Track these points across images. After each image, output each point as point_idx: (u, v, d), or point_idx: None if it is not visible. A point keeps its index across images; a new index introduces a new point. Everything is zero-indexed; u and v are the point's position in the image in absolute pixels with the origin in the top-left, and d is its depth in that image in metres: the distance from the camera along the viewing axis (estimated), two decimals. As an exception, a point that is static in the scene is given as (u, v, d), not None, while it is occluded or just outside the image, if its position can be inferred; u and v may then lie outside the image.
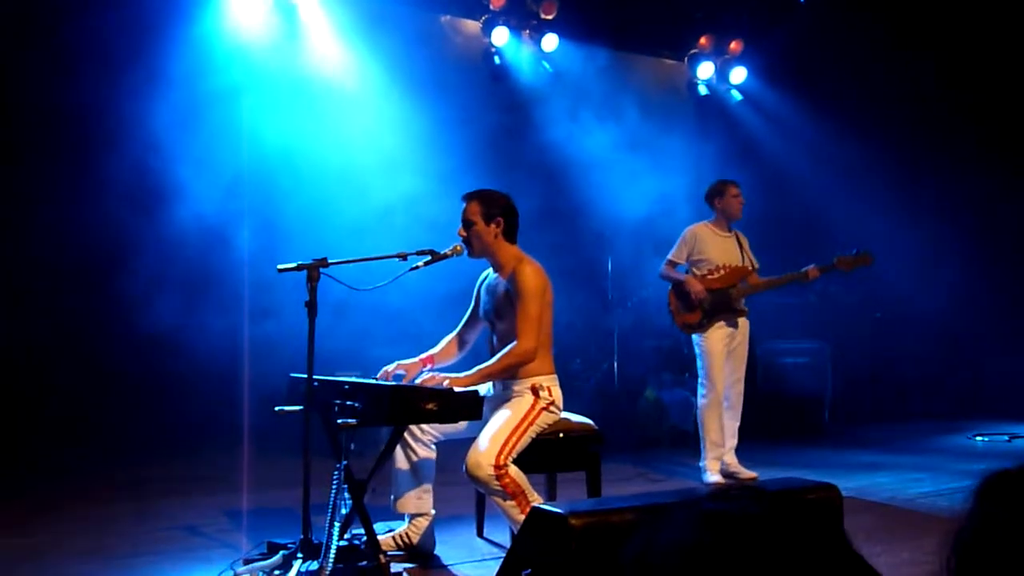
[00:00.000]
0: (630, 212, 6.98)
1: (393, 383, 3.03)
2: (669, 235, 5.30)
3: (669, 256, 5.14)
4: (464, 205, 3.42)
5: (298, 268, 3.03)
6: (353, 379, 3.20)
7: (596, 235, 7.25)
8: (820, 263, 5.02)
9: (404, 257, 3.26)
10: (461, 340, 3.63)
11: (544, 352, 3.37)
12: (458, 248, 3.37)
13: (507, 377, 3.33)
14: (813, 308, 7.60)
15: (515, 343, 3.26)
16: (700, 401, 5.01)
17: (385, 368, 3.42)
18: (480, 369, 3.27)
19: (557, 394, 3.36)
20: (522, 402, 3.27)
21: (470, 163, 6.19)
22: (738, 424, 5.07)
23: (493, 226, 3.38)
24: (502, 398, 3.35)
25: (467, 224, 3.39)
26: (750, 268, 5.14)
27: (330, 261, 3.04)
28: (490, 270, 3.55)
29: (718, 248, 5.11)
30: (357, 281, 3.20)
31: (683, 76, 8.18)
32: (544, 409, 3.28)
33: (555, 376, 3.39)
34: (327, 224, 5.79)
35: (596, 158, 7.09)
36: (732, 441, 5.05)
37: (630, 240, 7.06)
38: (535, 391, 3.30)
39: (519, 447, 3.15)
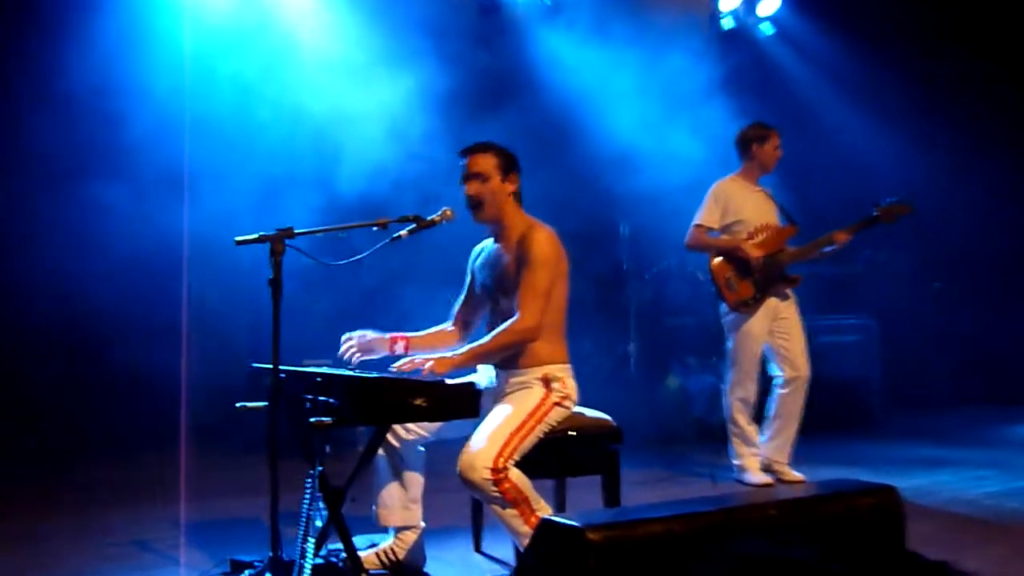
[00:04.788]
0: (646, 167, 6.92)
1: (375, 374, 2.98)
2: (692, 193, 5.24)
3: (698, 220, 5.03)
4: (471, 157, 3.36)
5: (259, 240, 2.96)
6: (327, 370, 3.16)
7: (607, 194, 7.20)
8: (854, 222, 4.97)
9: (384, 225, 3.19)
10: (464, 322, 3.60)
11: (556, 336, 3.34)
12: (447, 213, 3.30)
13: (506, 361, 3.30)
14: (859, 279, 7.57)
15: (515, 318, 3.23)
16: (727, 388, 5.01)
17: (348, 334, 3.38)
18: (471, 348, 3.25)
19: (572, 386, 3.33)
20: (531, 395, 3.24)
21: (456, 112, 6.11)
22: (801, 408, 4.97)
23: (509, 183, 3.36)
24: (507, 390, 3.31)
25: (480, 178, 3.33)
26: (793, 227, 5.08)
27: (297, 231, 2.98)
28: (487, 241, 3.51)
29: (752, 205, 5.04)
30: (329, 255, 3.14)
31: (705, 7, 8.08)
32: (557, 404, 3.25)
33: (569, 365, 3.37)
34: (290, 188, 5.74)
35: (605, 104, 7.03)
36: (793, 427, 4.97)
37: (648, 200, 7.00)
38: (547, 382, 3.26)
39: (523, 448, 3.11)
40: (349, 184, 5.81)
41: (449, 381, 2.96)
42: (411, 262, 5.65)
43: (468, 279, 3.59)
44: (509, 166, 3.36)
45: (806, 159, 7.00)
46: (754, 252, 4.89)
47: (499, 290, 3.37)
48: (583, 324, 6.80)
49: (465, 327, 3.60)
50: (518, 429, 3.11)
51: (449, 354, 3.22)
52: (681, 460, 5.71)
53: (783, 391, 4.97)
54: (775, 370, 5.01)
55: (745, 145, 5.09)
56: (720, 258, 5.00)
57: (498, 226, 3.41)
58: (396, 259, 5.70)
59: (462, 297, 3.60)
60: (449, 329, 3.60)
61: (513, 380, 3.31)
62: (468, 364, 3.24)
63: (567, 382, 3.31)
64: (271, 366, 2.93)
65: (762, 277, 4.91)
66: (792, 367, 4.96)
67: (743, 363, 4.94)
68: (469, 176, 3.35)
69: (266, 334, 2.95)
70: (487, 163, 3.34)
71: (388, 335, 3.46)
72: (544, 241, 3.28)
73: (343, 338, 3.43)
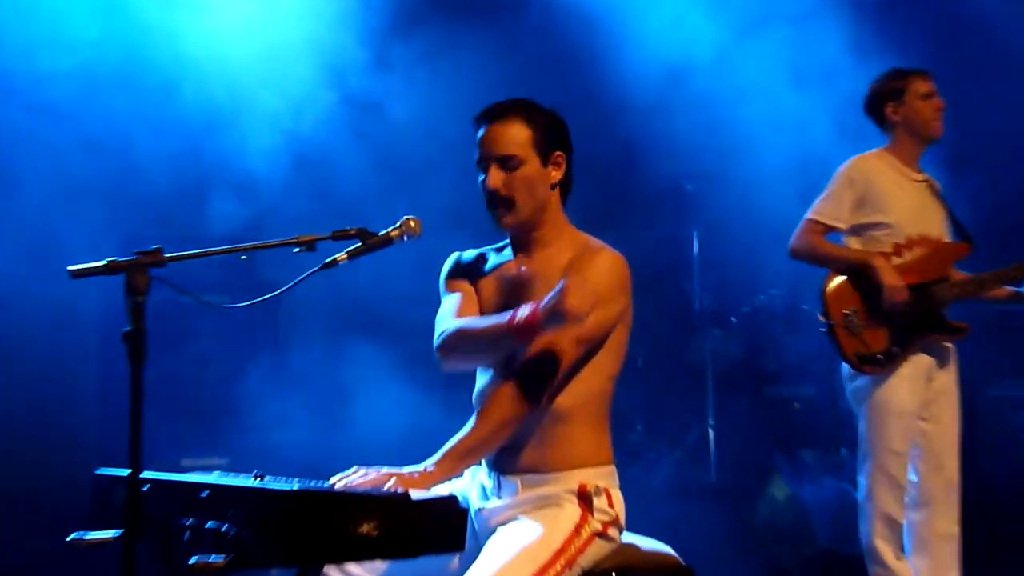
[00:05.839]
0: (732, 146, 6.94)
1: (297, 485, 2.98)
2: (807, 185, 5.29)
3: (815, 212, 5.07)
4: (492, 127, 3.42)
5: (108, 270, 2.96)
6: (218, 477, 3.18)
7: (670, 190, 7.22)
8: None
9: (310, 245, 3.21)
10: None
11: (599, 421, 3.39)
12: (412, 224, 3.34)
13: (511, 458, 3.32)
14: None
15: (516, 377, 3.25)
16: (863, 497, 5.04)
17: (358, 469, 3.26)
18: (454, 446, 3.26)
19: (620, 503, 3.35)
20: (560, 518, 3.24)
21: (449, 75, 6.19)
22: (956, 538, 5.00)
23: (552, 169, 3.43)
24: (517, 508, 3.32)
25: (509, 163, 3.38)
26: (966, 245, 5.10)
27: (168, 255, 2.98)
28: (485, 253, 3.60)
29: (906, 200, 5.09)
30: (220, 291, 3.14)
31: None
32: (599, 534, 3.25)
33: (615, 469, 3.39)
34: (151, 189, 5.78)
35: (656, 36, 7.10)
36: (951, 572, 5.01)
37: (732, 198, 7.01)
38: (584, 498, 3.27)
39: (545, 604, 3.14)
40: (246, 177, 5.87)
41: (416, 494, 2.95)
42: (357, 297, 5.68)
43: (455, 287, 3.59)
44: (553, 140, 3.44)
45: (987, 133, 7.01)
46: (893, 280, 4.88)
47: None
48: (632, 397, 6.79)
49: None
50: (540, 574, 3.11)
51: (425, 465, 3.22)
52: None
53: (921, 513, 4.97)
54: (909, 473, 5.02)
55: (877, 109, 5.17)
56: (839, 280, 5.02)
57: (529, 235, 3.47)
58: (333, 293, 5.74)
59: (457, 305, 3.56)
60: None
61: (528, 493, 3.31)
62: (455, 472, 3.26)
63: (614, 497, 3.33)
64: (127, 471, 2.92)
65: (905, 320, 4.91)
66: (934, 467, 4.97)
67: (884, 458, 4.94)
68: (491, 159, 3.40)
69: (120, 421, 2.94)
70: (519, 136, 3.39)
71: (422, 468, 3.27)
72: (610, 269, 3.33)
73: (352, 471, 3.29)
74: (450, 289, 3.61)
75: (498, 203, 3.40)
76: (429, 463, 3.24)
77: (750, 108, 6.89)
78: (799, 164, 6.00)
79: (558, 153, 3.43)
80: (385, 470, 3.19)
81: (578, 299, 3.01)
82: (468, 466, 3.35)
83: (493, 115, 3.43)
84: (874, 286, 4.92)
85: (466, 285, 3.57)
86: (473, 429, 3.27)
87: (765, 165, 6.82)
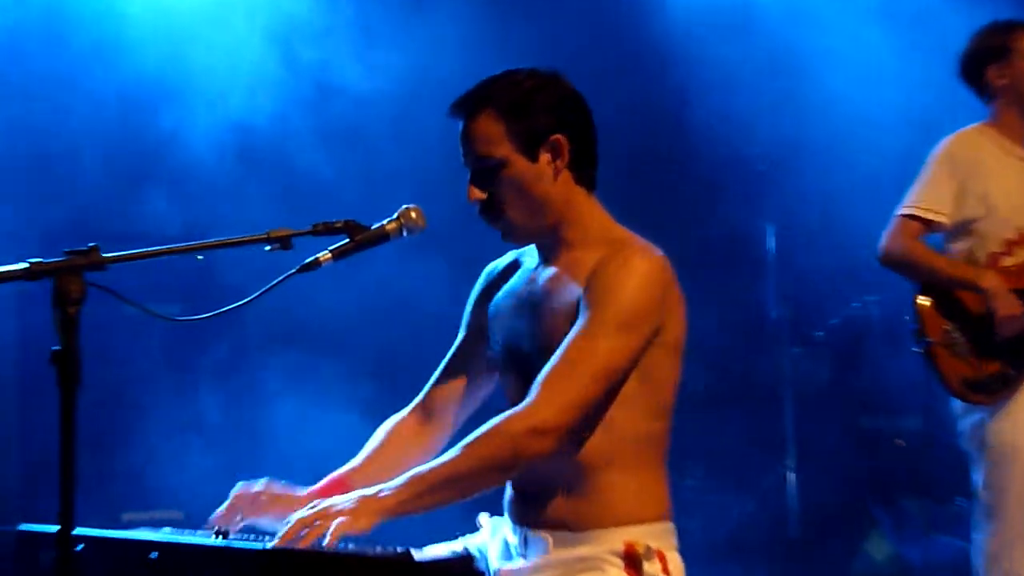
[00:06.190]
0: (816, 115, 6.96)
1: (266, 543, 3.01)
2: (914, 164, 5.30)
3: (912, 204, 5.09)
4: (462, 123, 3.44)
5: (31, 274, 2.99)
6: (169, 534, 3.23)
7: (737, 171, 7.24)
8: None
9: (285, 242, 3.23)
10: (440, 411, 3.70)
11: (651, 466, 3.40)
12: (413, 215, 3.38)
13: (541, 513, 3.35)
14: None
15: (518, 408, 3.24)
16: (983, 561, 5.09)
17: (241, 485, 3.44)
18: (422, 473, 3.22)
19: (677, 568, 3.36)
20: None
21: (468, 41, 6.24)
22: None
23: (546, 158, 3.39)
24: (550, 569, 3.33)
25: (487, 166, 3.39)
26: None
27: (108, 255, 3.01)
28: (520, 258, 3.64)
29: (1016, 185, 5.12)
30: (177, 298, 3.16)
31: None
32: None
33: (672, 527, 3.40)
34: (83, 173, 5.83)
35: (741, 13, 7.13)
36: None
37: (816, 182, 7.03)
38: (633, 560, 3.27)
39: None
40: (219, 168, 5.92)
41: (420, 554, 2.97)
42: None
43: (465, 327, 3.70)
44: (542, 122, 3.40)
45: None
46: (1008, 304, 4.89)
47: (538, 349, 3.41)
48: (690, 432, 6.74)
49: (442, 419, 3.69)
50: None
51: (381, 489, 3.19)
52: None
53: None
54: None
55: (976, 72, 5.19)
56: (929, 298, 5.06)
57: (552, 238, 3.48)
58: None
59: (446, 362, 3.69)
60: (406, 425, 3.70)
61: (562, 553, 3.33)
62: (418, 505, 3.18)
63: (670, 560, 3.34)
64: (56, 527, 2.96)
65: (1018, 342, 4.93)
66: None
67: (1011, 513, 4.98)
68: (467, 164, 3.44)
69: (48, 464, 2.98)
70: (490, 132, 3.39)
71: (307, 490, 3.46)
72: (640, 282, 3.31)
73: (234, 491, 3.45)
74: (462, 327, 3.72)
75: (487, 216, 3.43)
76: (386, 487, 3.18)
77: (838, 63, 6.89)
78: (905, 138, 5.99)
79: (553, 137, 3.37)
80: (324, 505, 3.11)
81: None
82: (438, 502, 3.23)
83: (460, 110, 3.43)
84: (971, 304, 4.98)
85: (471, 335, 3.68)
86: (450, 462, 3.22)
87: (860, 139, 6.82)
